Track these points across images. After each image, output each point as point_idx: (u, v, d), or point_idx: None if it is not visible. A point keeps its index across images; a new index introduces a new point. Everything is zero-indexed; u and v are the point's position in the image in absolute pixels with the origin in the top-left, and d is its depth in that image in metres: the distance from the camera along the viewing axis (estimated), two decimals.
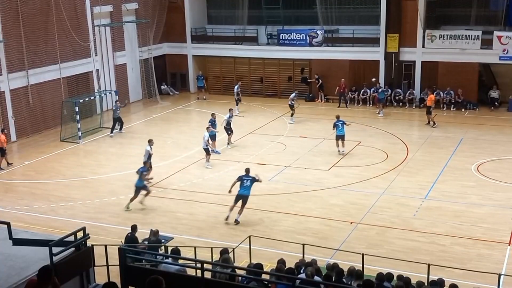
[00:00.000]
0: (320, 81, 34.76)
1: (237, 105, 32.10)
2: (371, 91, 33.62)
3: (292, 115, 30.20)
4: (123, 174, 23.10)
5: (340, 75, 34.02)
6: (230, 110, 26.53)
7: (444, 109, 32.21)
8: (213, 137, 24.76)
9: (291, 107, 30.13)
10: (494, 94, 32.23)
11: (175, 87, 39.07)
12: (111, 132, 28.52)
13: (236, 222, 18.02)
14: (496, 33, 31.32)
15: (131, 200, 19.53)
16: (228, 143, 26.11)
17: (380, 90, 32.46)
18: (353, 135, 27.53)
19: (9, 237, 10.16)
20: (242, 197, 18.11)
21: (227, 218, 18.12)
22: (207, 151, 23.34)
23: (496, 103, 32.01)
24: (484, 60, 32.44)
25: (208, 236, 17.32)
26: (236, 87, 32.93)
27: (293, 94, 30.92)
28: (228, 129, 26.03)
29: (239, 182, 18.29)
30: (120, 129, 28.90)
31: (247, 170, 18.72)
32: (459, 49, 31.99)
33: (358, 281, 10.89)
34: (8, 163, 24.47)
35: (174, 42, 38.76)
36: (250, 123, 30.14)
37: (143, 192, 19.57)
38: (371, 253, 14.73)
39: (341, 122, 24.73)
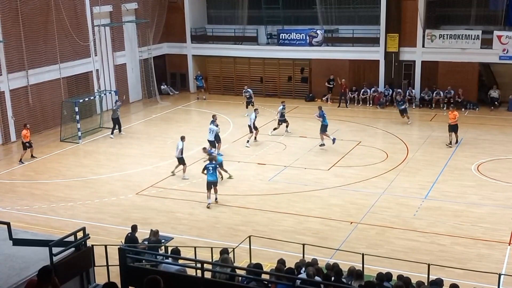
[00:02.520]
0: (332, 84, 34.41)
1: (247, 107, 31.85)
2: (371, 91, 33.66)
3: (287, 126, 28.06)
4: (123, 174, 23.11)
5: (340, 75, 34.01)
6: (256, 110, 26.79)
7: (444, 108, 32.18)
8: (218, 139, 24.44)
9: (283, 121, 27.84)
10: (494, 93, 32.22)
11: (175, 87, 39.07)
12: (112, 133, 28.40)
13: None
14: (496, 32, 31.32)
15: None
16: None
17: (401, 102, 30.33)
18: (353, 135, 27.59)
19: (9, 238, 10.15)
20: None
21: None
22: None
23: (496, 102, 32.00)
24: (484, 59, 32.43)
25: (208, 236, 17.32)
26: (245, 90, 32.39)
27: (281, 107, 27.94)
28: (254, 127, 26.24)
29: None
30: (120, 131, 28.69)
31: None
32: (459, 48, 32.00)
33: (358, 281, 10.89)
34: (32, 156, 25.03)
35: (174, 42, 38.76)
36: None
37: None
38: (371, 253, 14.73)
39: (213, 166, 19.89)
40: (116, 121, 28.40)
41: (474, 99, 32.57)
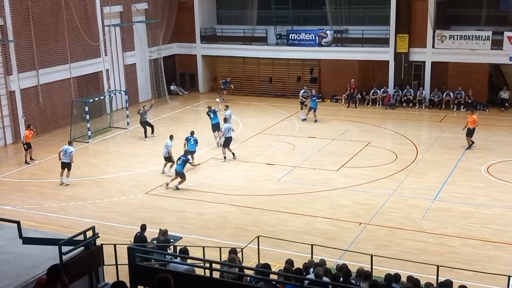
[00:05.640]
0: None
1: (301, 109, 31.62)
2: (381, 92, 33.59)
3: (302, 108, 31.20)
4: (132, 174, 23.18)
5: (349, 76, 33.99)
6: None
7: (454, 109, 32.11)
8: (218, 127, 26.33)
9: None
10: (504, 95, 32.08)
11: (184, 87, 39.17)
12: (145, 136, 28.08)
13: None
14: (506, 33, 31.16)
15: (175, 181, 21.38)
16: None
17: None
18: (362, 135, 27.55)
19: (19, 236, 10.19)
20: None
21: None
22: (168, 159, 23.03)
23: (506, 104, 31.86)
24: (494, 60, 32.29)
25: (216, 236, 17.34)
26: (302, 91, 32.38)
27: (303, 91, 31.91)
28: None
29: None
30: (152, 131, 28.39)
31: None
32: (469, 49, 31.84)
33: (367, 282, 10.87)
34: (31, 158, 24.96)
35: (184, 42, 38.83)
36: (259, 123, 30.14)
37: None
38: (380, 254, 14.71)
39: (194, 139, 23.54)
40: (146, 124, 28.20)
41: (484, 100, 32.42)
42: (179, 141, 23.63)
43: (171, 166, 22.78)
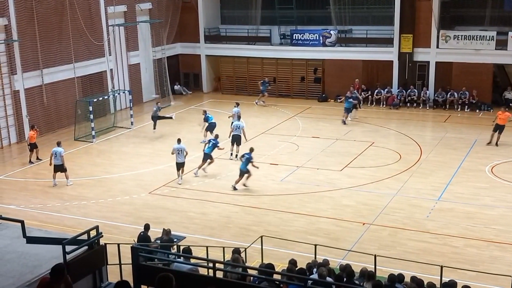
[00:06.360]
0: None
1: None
2: (385, 92, 33.55)
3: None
4: (136, 174, 23.21)
5: (353, 76, 33.98)
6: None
7: (458, 110, 32.05)
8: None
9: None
10: (509, 95, 32.00)
11: (188, 87, 39.19)
12: (154, 128, 28.22)
13: None
14: (510, 33, 31.07)
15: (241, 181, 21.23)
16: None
17: None
18: (366, 135, 27.52)
19: (23, 235, 10.24)
20: None
21: None
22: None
23: (510, 104, 31.74)
24: (499, 61, 32.23)
25: (220, 236, 17.35)
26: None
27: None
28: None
29: None
30: (154, 127, 28.36)
31: None
32: (473, 49, 31.79)
33: (370, 282, 10.87)
34: (37, 158, 24.90)
35: (188, 42, 38.87)
36: (262, 123, 30.12)
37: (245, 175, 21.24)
38: (383, 254, 14.69)
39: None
40: (157, 118, 28.19)
41: (488, 100, 32.36)
42: (183, 141, 23.60)
43: (182, 172, 22.38)
